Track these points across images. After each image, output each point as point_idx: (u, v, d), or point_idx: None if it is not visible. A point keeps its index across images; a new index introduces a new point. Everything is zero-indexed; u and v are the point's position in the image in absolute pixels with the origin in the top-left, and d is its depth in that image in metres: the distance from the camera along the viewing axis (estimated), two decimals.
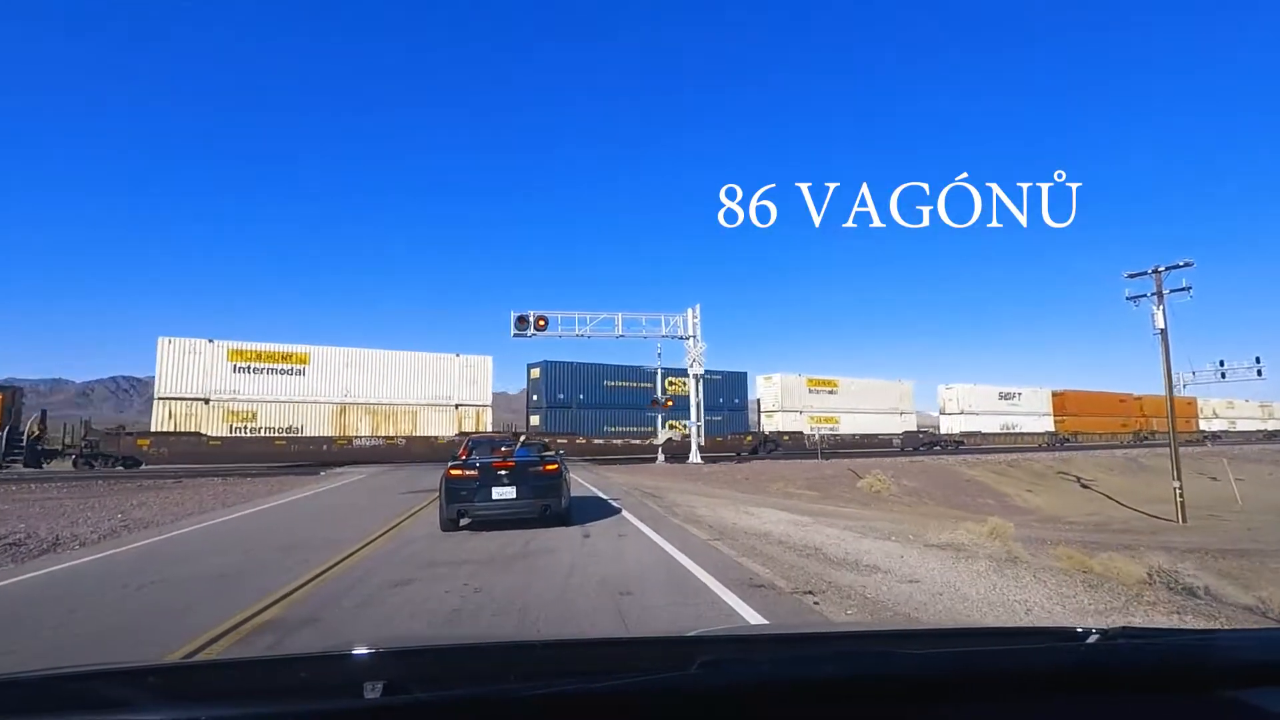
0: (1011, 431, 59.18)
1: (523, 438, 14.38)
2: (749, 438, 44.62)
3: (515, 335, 30.98)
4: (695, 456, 32.62)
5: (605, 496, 16.18)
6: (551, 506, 10.40)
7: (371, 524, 11.64)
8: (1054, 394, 63.40)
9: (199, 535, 11.33)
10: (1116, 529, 25.20)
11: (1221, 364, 61.27)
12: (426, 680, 1.45)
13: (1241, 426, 78.20)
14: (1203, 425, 72.72)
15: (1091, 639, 1.51)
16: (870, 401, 52.10)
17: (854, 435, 49.67)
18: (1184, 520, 27.48)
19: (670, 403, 35.87)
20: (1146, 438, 66.71)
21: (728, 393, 44.55)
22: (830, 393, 49.89)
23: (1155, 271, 29.36)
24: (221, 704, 1.28)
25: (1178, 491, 28.20)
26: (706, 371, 39.82)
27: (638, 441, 40.41)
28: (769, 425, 46.98)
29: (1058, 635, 1.85)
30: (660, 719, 1.23)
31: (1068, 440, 61.28)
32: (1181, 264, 28.66)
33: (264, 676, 1.53)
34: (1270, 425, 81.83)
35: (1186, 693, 1.33)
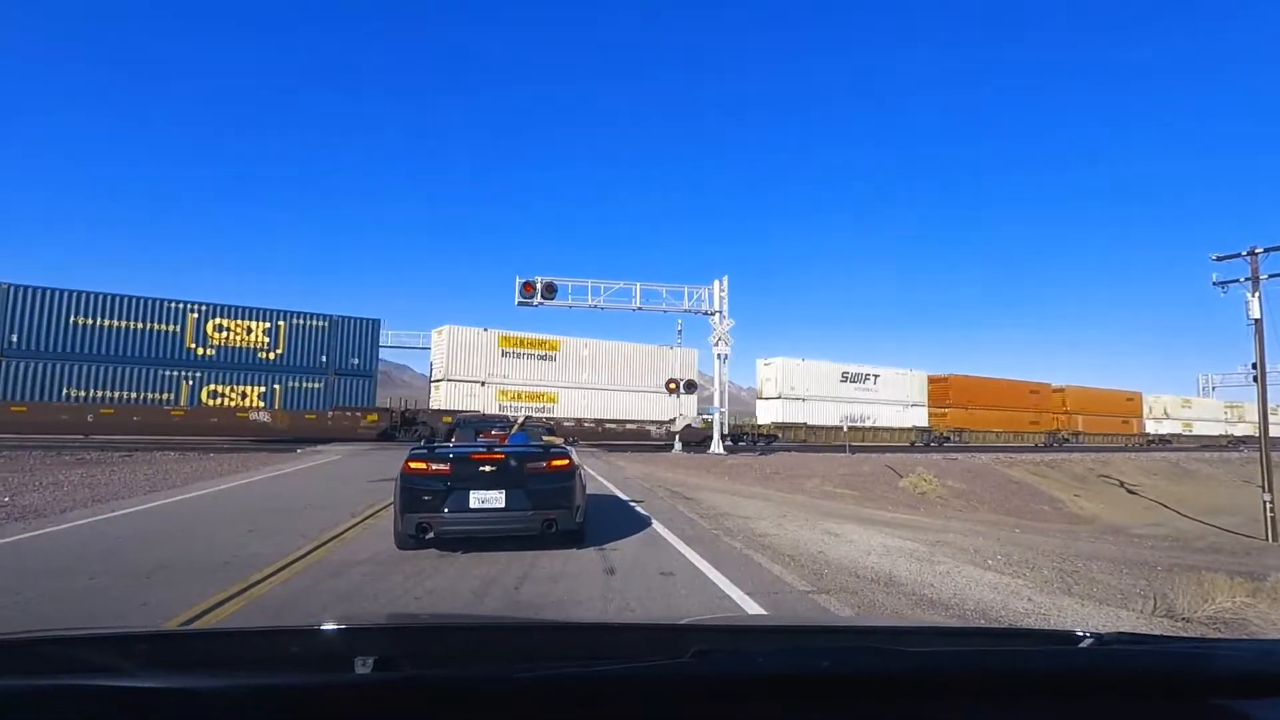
0: (861, 425, 44.57)
1: (522, 418, 10.99)
2: (373, 415, 30.23)
3: (520, 303, 27.57)
4: (717, 446, 29.25)
5: (624, 496, 12.84)
6: (559, 521, 7.02)
7: (306, 530, 8.36)
8: (931, 379, 48.97)
9: (66, 537, 8.12)
10: (1201, 547, 21.88)
11: (1254, 366, 57.06)
12: (419, 658, 1.43)
13: (1200, 430, 65.29)
14: (1149, 427, 61.77)
15: (1087, 643, 1.50)
16: (619, 375, 35.95)
17: (585, 421, 34.13)
18: (1276, 538, 23.87)
19: (680, 386, 32.39)
20: (1068, 439, 54.60)
21: (341, 350, 29.90)
22: (544, 358, 34.54)
23: (1251, 253, 25.77)
24: (210, 672, 1.26)
25: (1268, 505, 24.49)
26: (297, 313, 29.00)
27: (147, 415, 26.12)
28: (435, 400, 32.78)
29: (1055, 638, 1.96)
30: (652, 706, 1.20)
31: (947, 440, 47.87)
32: None
33: (254, 647, 1.52)
34: (1239, 429, 67.50)
35: (1182, 700, 1.30)
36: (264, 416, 28.11)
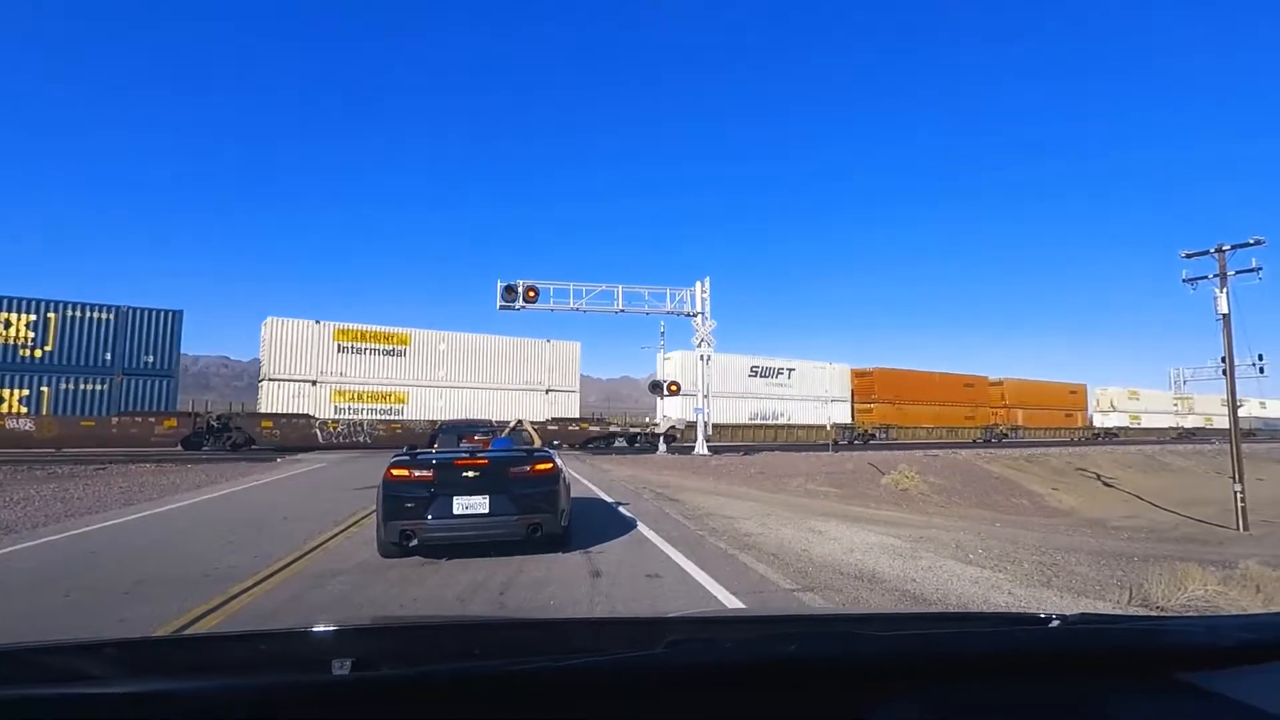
0: (773, 423, 42.23)
1: (514, 422, 10.95)
2: (171, 420, 26.39)
3: (502, 307, 27.37)
4: (701, 447, 29.30)
5: (609, 499, 12.84)
6: (544, 525, 7.00)
7: (287, 540, 8.26)
8: (855, 372, 47.04)
9: (40, 554, 7.94)
10: (1175, 538, 22.38)
11: (1223, 360, 57.47)
12: (396, 658, 1.44)
13: (1149, 422, 63.48)
14: (1097, 420, 60.91)
15: (1054, 624, 1.54)
16: (484, 372, 33.27)
17: (440, 423, 25.62)
18: (1246, 527, 24.32)
19: (675, 388, 32.19)
20: (1006, 434, 51.01)
21: (131, 347, 26.17)
22: (391, 353, 31.52)
23: (1219, 250, 26.36)
24: (184, 677, 1.26)
25: (1239, 495, 24.98)
26: (73, 304, 25.42)
27: None
28: (265, 401, 29.45)
29: (1021, 620, 1.97)
30: (626, 696, 1.20)
31: (873, 437, 45.15)
32: (1252, 242, 25.61)
33: (231, 652, 1.51)
34: (1190, 421, 67.54)
35: (1141, 674, 1.36)
36: (26, 424, 24.15)
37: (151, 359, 26.63)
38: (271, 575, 6.52)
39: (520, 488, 6.97)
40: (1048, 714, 1.28)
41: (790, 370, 43.99)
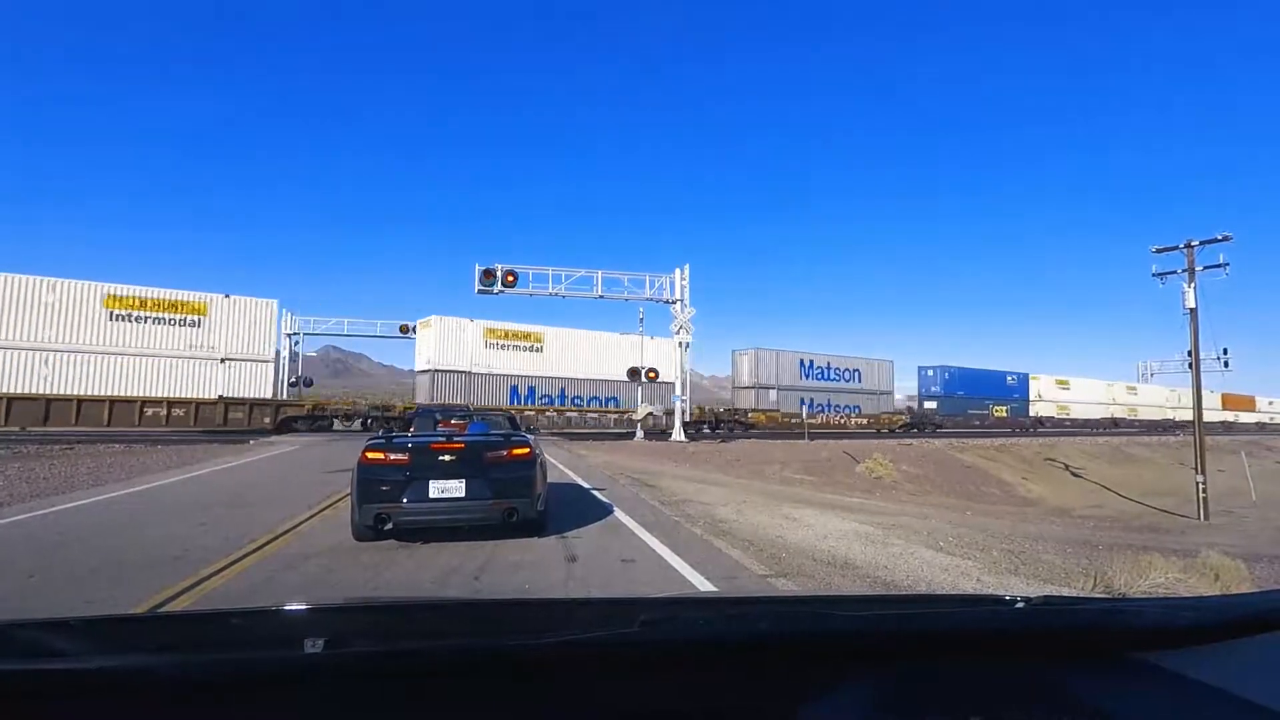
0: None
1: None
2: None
3: (480, 291, 27.17)
4: (679, 434, 29.43)
5: (586, 484, 12.86)
6: (519, 510, 6.99)
7: (261, 523, 8.17)
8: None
9: (5, 533, 7.79)
10: (1139, 527, 23.00)
11: (1189, 354, 57.61)
12: (368, 636, 1.44)
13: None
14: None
15: (1019, 605, 1.57)
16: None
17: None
18: (1206, 517, 25.00)
19: (654, 374, 32.19)
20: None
21: None
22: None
23: (1188, 246, 26.88)
24: (157, 653, 1.25)
25: (1201, 486, 25.66)
26: None
27: None
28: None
29: (987, 602, 2.08)
30: (602, 673, 1.21)
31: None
32: (1219, 238, 26.16)
33: (202, 629, 1.51)
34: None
35: (1098, 653, 1.39)
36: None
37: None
38: (244, 557, 6.45)
39: (497, 472, 6.95)
40: (1009, 690, 1.32)
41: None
